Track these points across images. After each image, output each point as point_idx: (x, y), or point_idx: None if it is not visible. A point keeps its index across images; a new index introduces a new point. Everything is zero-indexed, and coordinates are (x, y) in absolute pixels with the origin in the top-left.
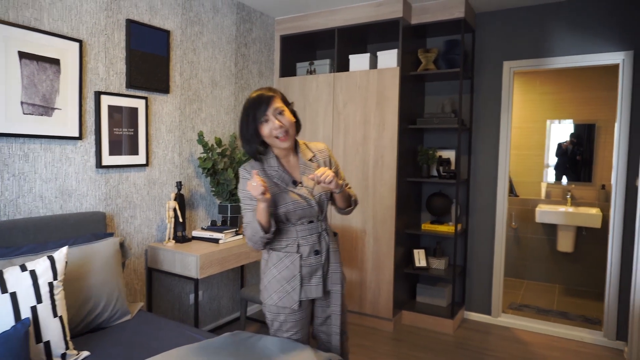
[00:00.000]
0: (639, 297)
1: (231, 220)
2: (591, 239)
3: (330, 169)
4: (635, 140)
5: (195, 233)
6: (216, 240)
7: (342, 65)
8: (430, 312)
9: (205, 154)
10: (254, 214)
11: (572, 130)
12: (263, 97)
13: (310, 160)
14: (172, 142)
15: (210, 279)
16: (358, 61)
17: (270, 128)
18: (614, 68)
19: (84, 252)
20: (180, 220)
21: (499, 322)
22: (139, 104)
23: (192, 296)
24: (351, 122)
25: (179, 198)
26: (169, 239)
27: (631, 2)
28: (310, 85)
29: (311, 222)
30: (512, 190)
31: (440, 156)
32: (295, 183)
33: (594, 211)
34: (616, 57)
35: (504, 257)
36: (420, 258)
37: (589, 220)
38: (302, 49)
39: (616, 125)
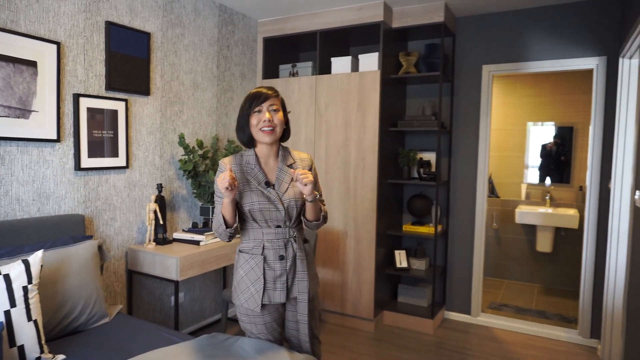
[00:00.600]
0: (612, 296)
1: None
2: (569, 239)
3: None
4: (608, 143)
5: (176, 235)
6: (197, 242)
7: (324, 68)
8: (411, 312)
9: (186, 156)
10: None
11: (552, 133)
12: (264, 90)
13: (290, 166)
14: (152, 144)
15: (192, 280)
16: (340, 64)
17: (259, 119)
18: (590, 72)
19: (61, 255)
20: (161, 222)
21: (479, 321)
22: (119, 106)
23: (173, 298)
24: (333, 124)
25: (160, 200)
26: (150, 241)
27: (604, 9)
28: (293, 88)
29: (278, 227)
30: (493, 191)
31: (421, 158)
32: (267, 184)
33: (572, 212)
34: (590, 63)
35: (484, 257)
36: (401, 259)
37: (567, 221)
38: (284, 51)
39: (590, 128)
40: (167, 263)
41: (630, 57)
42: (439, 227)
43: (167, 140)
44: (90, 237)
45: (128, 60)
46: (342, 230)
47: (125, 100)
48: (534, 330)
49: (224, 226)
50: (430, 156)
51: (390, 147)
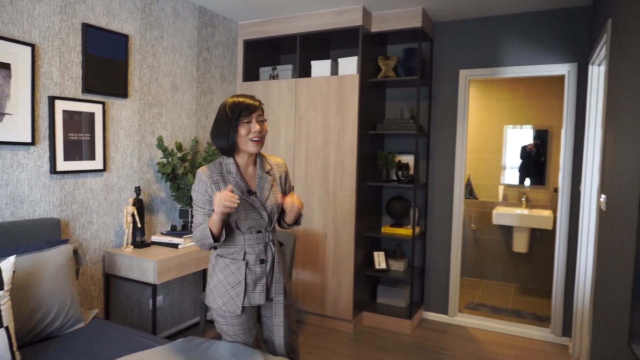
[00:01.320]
0: (582, 295)
1: (192, 224)
2: (544, 240)
3: (285, 184)
4: (579, 146)
5: (154, 238)
6: (175, 245)
7: (304, 71)
8: (389, 313)
9: (164, 159)
10: (205, 217)
11: (529, 135)
12: (252, 101)
13: (267, 172)
14: (131, 146)
15: (171, 283)
16: (320, 67)
17: (249, 129)
18: (563, 78)
19: (35, 260)
20: (139, 225)
21: (456, 321)
22: (96, 109)
23: (151, 302)
24: (312, 127)
25: (138, 203)
26: (127, 244)
27: (575, 18)
28: (273, 90)
29: (259, 232)
30: (471, 193)
31: (399, 161)
32: (250, 192)
33: (547, 213)
34: (562, 69)
35: (461, 258)
36: (380, 260)
37: (542, 222)
38: (265, 54)
39: (562, 131)
40: (145, 266)
41: (599, 65)
42: (417, 229)
43: (146, 143)
44: (65, 241)
45: (105, 63)
46: (322, 232)
47: (103, 103)
48: (509, 330)
49: (211, 240)
50: (408, 159)
51: (370, 149)
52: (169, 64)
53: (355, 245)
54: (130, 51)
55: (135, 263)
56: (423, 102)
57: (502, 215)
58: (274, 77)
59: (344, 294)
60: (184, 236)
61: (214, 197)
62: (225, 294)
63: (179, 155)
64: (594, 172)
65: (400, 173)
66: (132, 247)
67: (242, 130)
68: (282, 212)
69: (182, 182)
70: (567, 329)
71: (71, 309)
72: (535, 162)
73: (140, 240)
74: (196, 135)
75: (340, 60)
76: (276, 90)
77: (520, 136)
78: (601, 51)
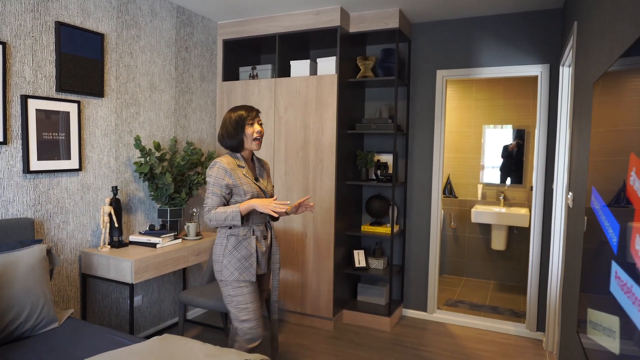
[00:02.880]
0: (554, 291)
1: (171, 224)
2: (521, 238)
3: (269, 178)
4: (552, 145)
5: (132, 238)
6: (153, 245)
7: (283, 71)
8: (369, 310)
9: (142, 159)
10: (219, 200)
11: (506, 135)
12: (254, 108)
13: (262, 166)
14: (107, 146)
15: (150, 282)
16: (299, 67)
17: (253, 130)
18: (537, 78)
19: (6, 260)
20: (116, 225)
21: (434, 318)
22: (71, 108)
23: (129, 301)
24: (292, 126)
25: (115, 203)
26: (104, 244)
27: (547, 20)
28: (253, 90)
29: (261, 213)
30: (451, 192)
31: (378, 160)
32: (256, 179)
33: (523, 211)
34: (535, 70)
35: (439, 256)
36: (360, 259)
37: (518, 220)
38: (245, 54)
39: (536, 131)
40: (122, 266)
41: (569, 66)
42: (397, 227)
43: (123, 143)
44: (39, 241)
45: (80, 62)
46: (302, 231)
47: (78, 102)
48: (485, 325)
49: (239, 222)
50: (387, 158)
51: (349, 149)
52: (147, 64)
53: (335, 243)
54: (106, 50)
55: (112, 263)
56: (401, 102)
57: (481, 213)
58: (253, 76)
59: (324, 293)
60: (162, 235)
61: (231, 184)
62: (240, 266)
63: (157, 155)
64: (565, 171)
65: (379, 172)
66: (109, 247)
67: (249, 130)
68: None
69: (160, 181)
70: (541, 324)
71: (44, 309)
72: (516, 161)
73: (117, 240)
74: (175, 134)
75: (319, 60)
76: (256, 90)
77: (499, 136)
78: (570, 53)
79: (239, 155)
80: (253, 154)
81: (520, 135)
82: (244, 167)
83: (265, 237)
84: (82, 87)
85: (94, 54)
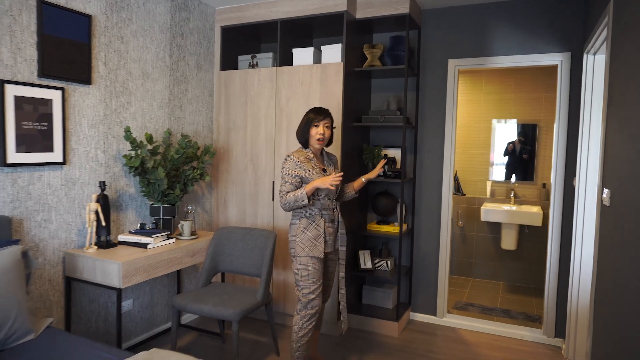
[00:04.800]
0: (576, 295)
1: (164, 222)
2: (533, 237)
3: (336, 169)
4: (572, 140)
5: (121, 237)
6: (144, 245)
7: (285, 59)
8: (375, 314)
9: (133, 152)
10: (291, 187)
11: (517, 130)
12: (323, 109)
13: (330, 159)
14: (95, 137)
15: (142, 285)
16: (302, 55)
17: (316, 131)
18: (554, 69)
19: None
20: (103, 223)
21: (444, 322)
22: (54, 95)
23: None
24: (294, 118)
25: (103, 199)
26: (90, 244)
27: (568, 5)
28: (252, 80)
29: (329, 199)
30: (458, 189)
31: (385, 154)
32: (324, 170)
33: (535, 209)
34: (555, 59)
35: (449, 256)
36: (365, 259)
37: (531, 219)
38: (244, 41)
39: (555, 125)
40: (109, 269)
41: (595, 53)
42: (405, 226)
43: (113, 134)
44: (16, 242)
45: (65, 45)
46: None
47: (62, 89)
48: (499, 331)
49: (306, 201)
50: (395, 152)
51: (355, 143)
52: (139, 49)
53: None
54: (94, 34)
55: (98, 265)
56: (410, 94)
57: (491, 211)
58: (253, 65)
59: None
60: (154, 235)
61: (300, 174)
62: (310, 245)
63: (150, 148)
64: (590, 167)
65: (386, 167)
66: (95, 247)
67: (312, 131)
68: (341, 189)
69: (152, 176)
70: (560, 330)
71: (18, 319)
72: (519, 159)
73: (105, 240)
74: (169, 126)
75: (323, 47)
76: (255, 80)
77: (509, 131)
78: (598, 38)
79: (308, 149)
80: (323, 148)
81: (525, 131)
82: (312, 160)
83: (332, 220)
84: (66, 72)
85: (80, 37)
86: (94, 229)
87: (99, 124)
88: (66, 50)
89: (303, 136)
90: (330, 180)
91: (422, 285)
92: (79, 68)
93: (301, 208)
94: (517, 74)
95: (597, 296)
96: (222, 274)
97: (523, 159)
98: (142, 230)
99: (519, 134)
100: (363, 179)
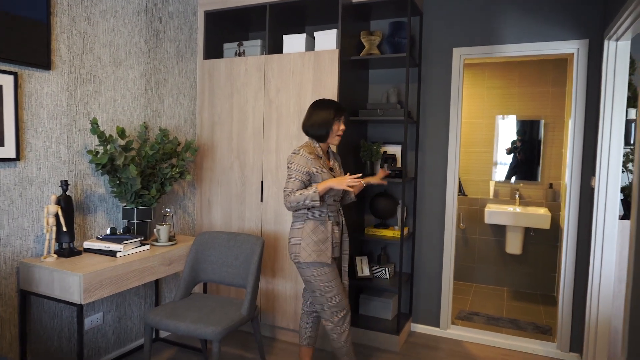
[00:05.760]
0: (596, 305)
1: (138, 227)
2: (539, 240)
3: (341, 170)
4: (590, 137)
5: (87, 244)
6: (112, 253)
7: (275, 47)
8: (374, 327)
9: (101, 146)
10: (300, 184)
11: (518, 127)
12: (343, 107)
13: (335, 158)
14: (57, 130)
15: (114, 296)
16: (293, 42)
17: (339, 127)
18: (563, 62)
19: None
20: (64, 228)
21: (448, 334)
22: (5, 81)
23: (87, 320)
24: (284, 111)
25: (65, 201)
26: (49, 253)
27: None
28: (239, 69)
29: (334, 200)
30: (460, 189)
31: (385, 152)
32: (331, 169)
33: (542, 211)
34: (570, 46)
35: (454, 263)
36: (362, 266)
37: (538, 221)
38: (230, 28)
39: (570, 122)
40: (68, 281)
41: (617, 39)
42: (405, 230)
43: (78, 127)
44: None
45: (17, 23)
46: None
47: (15, 74)
48: (508, 344)
49: (317, 202)
50: (395, 150)
51: (351, 139)
52: (109, 32)
53: None
54: (54, 12)
55: (56, 277)
56: (412, 86)
57: (495, 213)
58: (240, 54)
59: None
60: (125, 242)
61: (311, 171)
62: (317, 249)
63: (122, 143)
64: (612, 165)
65: (386, 166)
66: (55, 256)
67: (335, 126)
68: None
69: (124, 175)
70: (576, 344)
71: None
72: (525, 158)
73: (68, 248)
74: (146, 120)
75: (317, 34)
76: (242, 69)
77: (513, 128)
78: (625, 22)
79: (317, 145)
80: (329, 146)
81: (524, 128)
82: (321, 157)
83: (338, 223)
84: (19, 55)
85: (37, 14)
86: (54, 235)
87: (61, 115)
88: (18, 29)
89: (323, 129)
90: (347, 181)
91: (424, 294)
92: (35, 50)
93: (308, 209)
94: (522, 67)
95: (633, 310)
96: (205, 284)
97: (529, 157)
98: (111, 236)
99: (517, 133)
100: (363, 182)
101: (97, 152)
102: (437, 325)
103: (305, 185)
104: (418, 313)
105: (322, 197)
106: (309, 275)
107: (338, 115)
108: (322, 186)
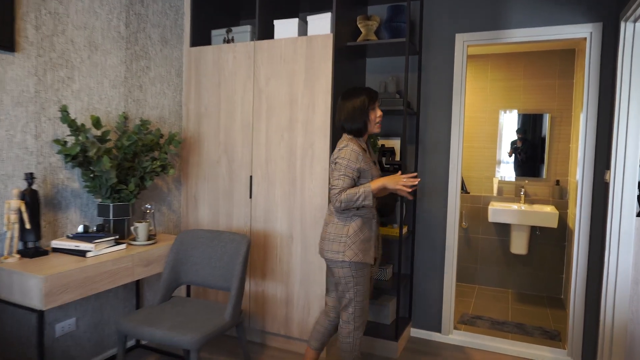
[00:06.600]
0: (611, 309)
1: (115, 224)
2: (545, 240)
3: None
4: (603, 129)
5: (55, 244)
6: (82, 253)
7: (266, 33)
8: (371, 332)
9: (74, 136)
10: (351, 182)
11: (519, 124)
12: (374, 90)
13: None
14: (23, 119)
15: (90, 299)
16: (284, 28)
17: (375, 115)
18: (570, 53)
19: None
20: (27, 226)
21: (450, 340)
22: None
23: (58, 327)
24: (275, 102)
25: (30, 195)
26: (9, 252)
27: None
28: (227, 57)
29: (375, 197)
30: (462, 187)
31: (382, 145)
32: (375, 163)
33: (549, 209)
34: (582, 30)
35: (456, 264)
36: None
37: (545, 220)
38: (219, 14)
39: (582, 113)
40: (28, 285)
41: (636, 20)
42: (405, 229)
43: (48, 116)
44: None
45: None
46: (287, 233)
47: None
48: (514, 350)
49: (371, 202)
50: (394, 143)
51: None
52: (84, 13)
53: None
54: None
55: (15, 279)
56: (411, 75)
57: (500, 211)
58: (228, 40)
59: (314, 310)
60: (97, 240)
61: (362, 167)
62: (364, 248)
63: (98, 133)
64: (628, 160)
65: (384, 160)
66: (18, 256)
67: (372, 115)
68: None
69: (98, 167)
70: (588, 351)
71: None
72: (529, 155)
73: (33, 247)
74: (126, 110)
75: (309, 18)
76: (230, 57)
77: (518, 123)
78: None
79: (361, 139)
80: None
81: (524, 127)
82: (366, 151)
83: (378, 222)
84: None
85: None
86: (17, 233)
87: (28, 102)
88: None
89: (360, 122)
90: (404, 181)
91: (425, 297)
92: None
93: (357, 208)
94: (527, 59)
95: None
96: (188, 286)
97: (534, 153)
98: (83, 235)
99: (517, 131)
100: (418, 182)
101: (65, 142)
102: (438, 330)
103: (355, 182)
104: (418, 317)
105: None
106: (348, 275)
107: (372, 101)
108: (375, 185)
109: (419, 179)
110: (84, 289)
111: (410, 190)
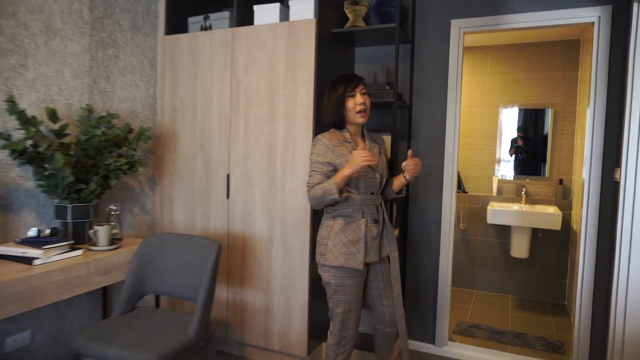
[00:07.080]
0: (622, 318)
1: (75, 228)
2: (548, 242)
3: (386, 157)
4: (612, 123)
5: (2, 249)
6: (29, 261)
7: (245, 20)
8: (358, 344)
9: (24, 130)
10: (323, 177)
11: (520, 121)
12: (355, 75)
13: (374, 141)
14: None
15: (47, 310)
16: (265, 13)
17: (355, 102)
18: (574, 44)
19: None
20: None
21: (445, 352)
22: None
23: (9, 340)
24: (254, 93)
25: None
26: None
27: None
28: (203, 45)
29: (372, 193)
30: (460, 186)
31: None
32: (381, 154)
33: (552, 210)
34: (590, 14)
35: (451, 269)
36: None
37: (548, 221)
38: (197, 3)
39: (588, 109)
40: None
41: None
42: (396, 231)
43: None
44: None
45: None
46: (266, 236)
47: None
48: None
49: (336, 195)
50: (384, 138)
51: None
52: None
53: (312, 254)
54: None
55: None
56: (403, 65)
57: (499, 212)
58: (206, 28)
59: (295, 320)
60: (46, 246)
61: (333, 160)
62: (346, 252)
63: (55, 127)
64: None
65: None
66: None
67: (350, 104)
68: (386, 182)
69: (52, 164)
70: None
71: None
72: (530, 154)
73: None
74: (90, 102)
75: (291, 2)
76: (207, 45)
77: (518, 118)
78: None
79: (344, 131)
80: (363, 127)
81: (526, 124)
82: (350, 143)
83: (376, 221)
84: None
85: None
86: None
87: None
88: None
89: (336, 115)
90: (361, 158)
91: (418, 305)
92: None
93: (333, 205)
94: (528, 50)
95: None
96: (157, 296)
97: (536, 151)
98: (32, 239)
99: (519, 129)
100: (406, 176)
101: (9, 136)
102: (432, 341)
103: (329, 177)
104: (410, 327)
105: (348, 189)
106: (327, 281)
107: (349, 88)
108: (339, 176)
109: (417, 158)
110: (27, 302)
111: (409, 171)
